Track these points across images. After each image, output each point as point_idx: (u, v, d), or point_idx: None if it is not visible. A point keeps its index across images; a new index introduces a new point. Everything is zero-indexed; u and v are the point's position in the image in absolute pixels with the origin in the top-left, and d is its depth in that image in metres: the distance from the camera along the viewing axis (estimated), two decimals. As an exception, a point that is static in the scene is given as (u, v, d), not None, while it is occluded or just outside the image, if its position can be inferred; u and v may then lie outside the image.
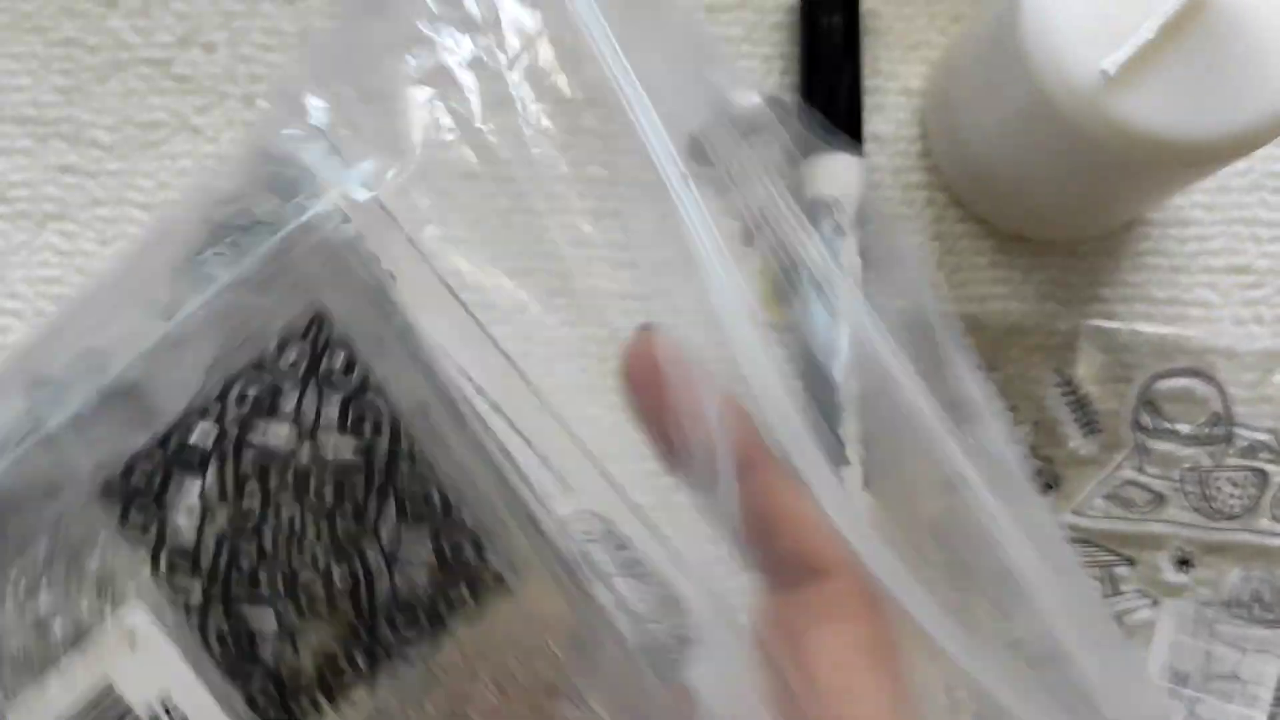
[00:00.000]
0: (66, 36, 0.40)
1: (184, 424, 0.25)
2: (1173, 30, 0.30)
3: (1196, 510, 0.38)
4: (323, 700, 0.26)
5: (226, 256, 0.26)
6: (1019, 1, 0.31)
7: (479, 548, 0.26)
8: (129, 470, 0.25)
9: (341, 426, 0.25)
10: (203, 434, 0.25)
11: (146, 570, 0.25)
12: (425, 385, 0.26)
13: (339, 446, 0.25)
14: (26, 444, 0.25)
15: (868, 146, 0.40)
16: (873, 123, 0.40)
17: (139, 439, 0.25)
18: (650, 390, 0.27)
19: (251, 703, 0.25)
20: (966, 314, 0.39)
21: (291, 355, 0.25)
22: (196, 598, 0.25)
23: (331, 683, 0.25)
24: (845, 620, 0.25)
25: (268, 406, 0.25)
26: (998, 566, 0.29)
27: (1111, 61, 0.30)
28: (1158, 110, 0.30)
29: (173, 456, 0.25)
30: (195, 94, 0.40)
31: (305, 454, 0.25)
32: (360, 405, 0.26)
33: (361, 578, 0.25)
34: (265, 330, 0.25)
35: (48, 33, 0.40)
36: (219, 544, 0.25)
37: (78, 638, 0.25)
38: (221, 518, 0.25)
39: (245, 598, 0.25)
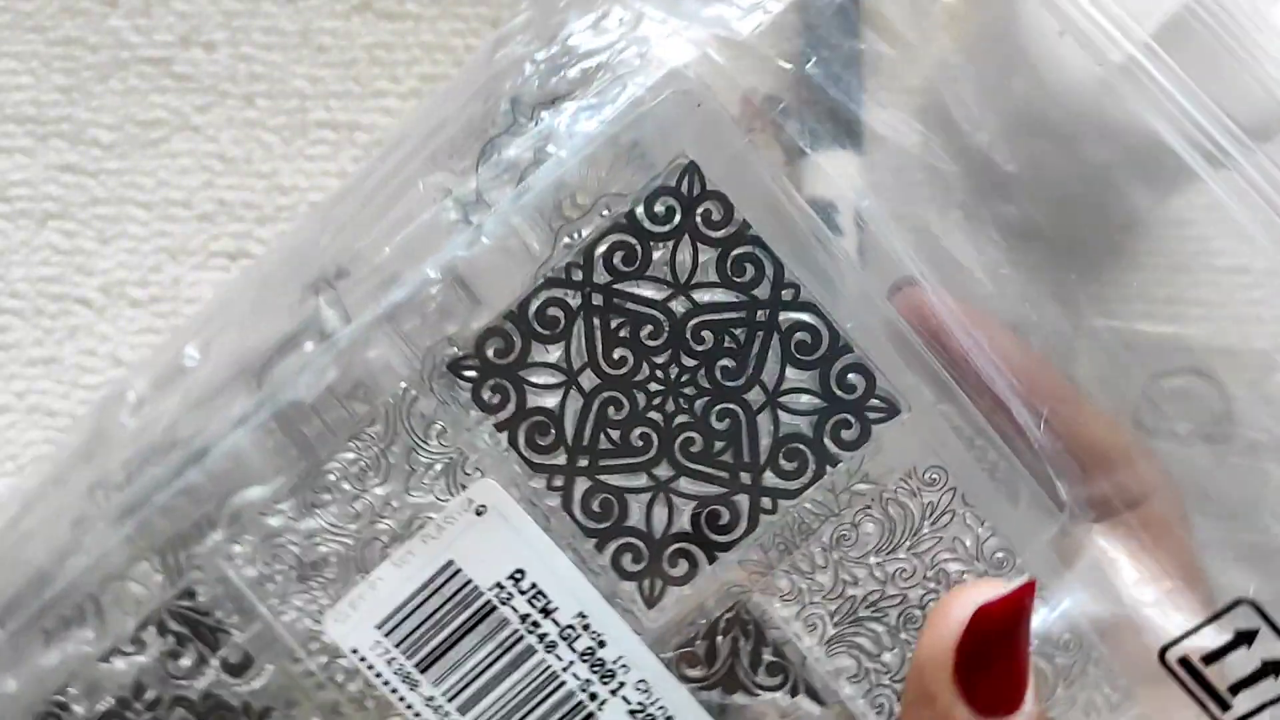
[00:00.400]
0: (67, 35, 0.40)
1: (538, 292, 0.25)
2: (1174, 28, 0.30)
3: (1197, 510, 0.38)
4: (700, 556, 0.25)
5: (543, 132, 0.25)
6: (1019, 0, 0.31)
7: (870, 379, 0.26)
8: (479, 346, 0.25)
9: (720, 278, 0.25)
10: (561, 300, 0.25)
11: (501, 444, 0.25)
12: (807, 225, 0.26)
13: (716, 298, 0.25)
14: (332, 344, 0.25)
15: (867, 145, 0.40)
16: (872, 122, 0.40)
17: (470, 321, 0.25)
18: (936, 347, 0.27)
19: (617, 565, 0.25)
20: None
21: (660, 209, 0.25)
22: (560, 466, 0.25)
23: (711, 536, 0.25)
24: (1170, 540, 0.26)
25: (639, 264, 0.25)
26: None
27: (1113, 59, 0.30)
28: (1159, 108, 0.30)
29: (529, 326, 0.25)
30: (196, 93, 0.40)
31: (680, 308, 0.25)
32: (739, 255, 0.25)
33: (744, 425, 0.25)
34: (628, 188, 0.25)
35: (48, 32, 0.40)
36: (585, 408, 0.25)
37: (412, 523, 0.25)
38: (587, 382, 0.25)
39: (616, 459, 0.25)
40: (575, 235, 0.25)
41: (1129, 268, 0.39)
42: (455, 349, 0.25)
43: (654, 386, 0.25)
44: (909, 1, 0.41)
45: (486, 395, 0.25)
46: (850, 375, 0.25)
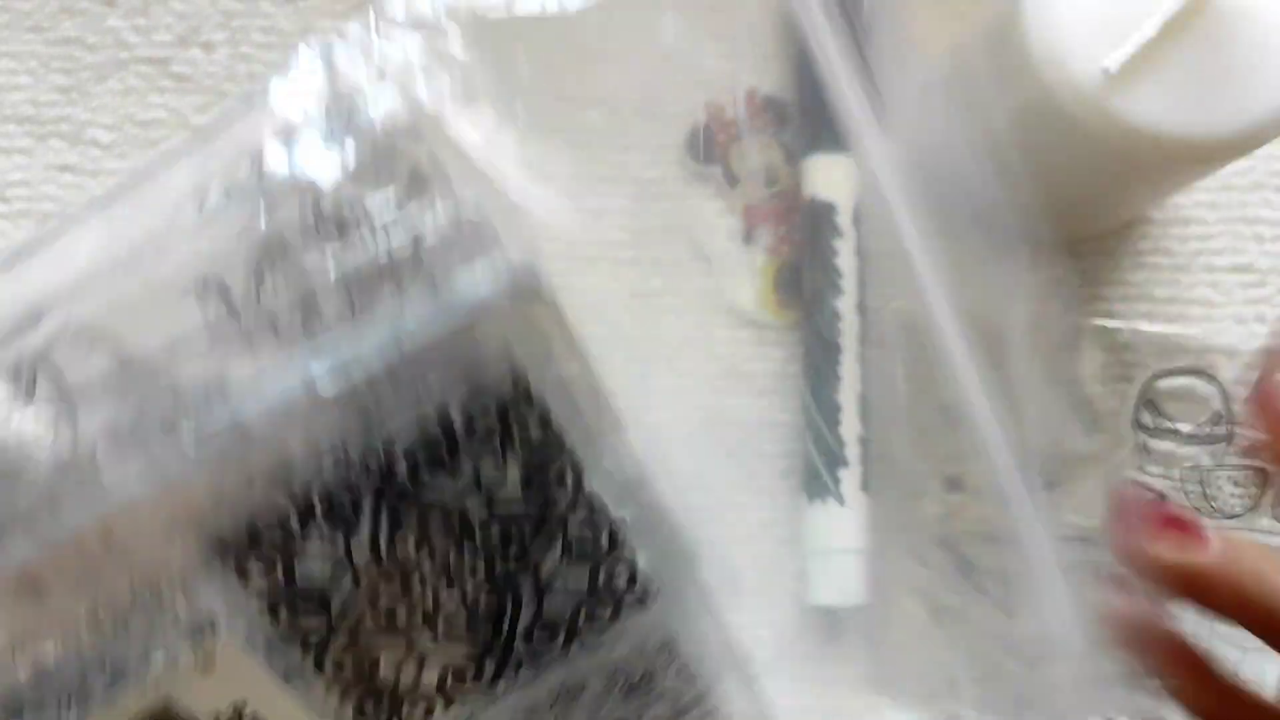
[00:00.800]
0: (66, 35, 0.40)
1: (330, 479, 0.23)
2: (1175, 28, 0.29)
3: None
4: (438, 705, 0.26)
5: (355, 272, 0.22)
6: (1021, 0, 0.31)
7: (633, 574, 0.26)
8: (254, 526, 0.23)
9: (523, 490, 0.24)
10: (353, 489, 0.23)
11: (256, 610, 0.24)
12: (615, 444, 0.25)
13: (514, 508, 0.24)
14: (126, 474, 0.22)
15: (868, 145, 0.40)
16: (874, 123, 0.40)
17: (264, 485, 0.22)
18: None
19: (360, 712, 0.25)
20: (967, 313, 0.39)
21: (476, 416, 0.23)
22: (317, 636, 0.24)
23: (451, 691, 0.25)
24: None
25: (444, 466, 0.23)
26: (1006, 565, 0.29)
27: (1114, 59, 0.30)
28: (1160, 108, 0.30)
29: (314, 511, 0.23)
30: (194, 93, 0.39)
31: (476, 510, 0.24)
32: (546, 471, 0.24)
33: (509, 607, 0.25)
34: (443, 389, 0.23)
35: (47, 32, 0.40)
36: (355, 590, 0.24)
37: (147, 663, 0.24)
38: (363, 565, 0.24)
39: (376, 632, 0.24)
40: (382, 421, 0.22)
41: (1130, 267, 0.40)
42: (235, 524, 0.23)
43: (432, 574, 0.24)
44: (914, 4, 0.41)
45: (253, 574, 0.23)
46: (620, 570, 0.26)
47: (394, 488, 0.23)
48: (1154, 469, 0.38)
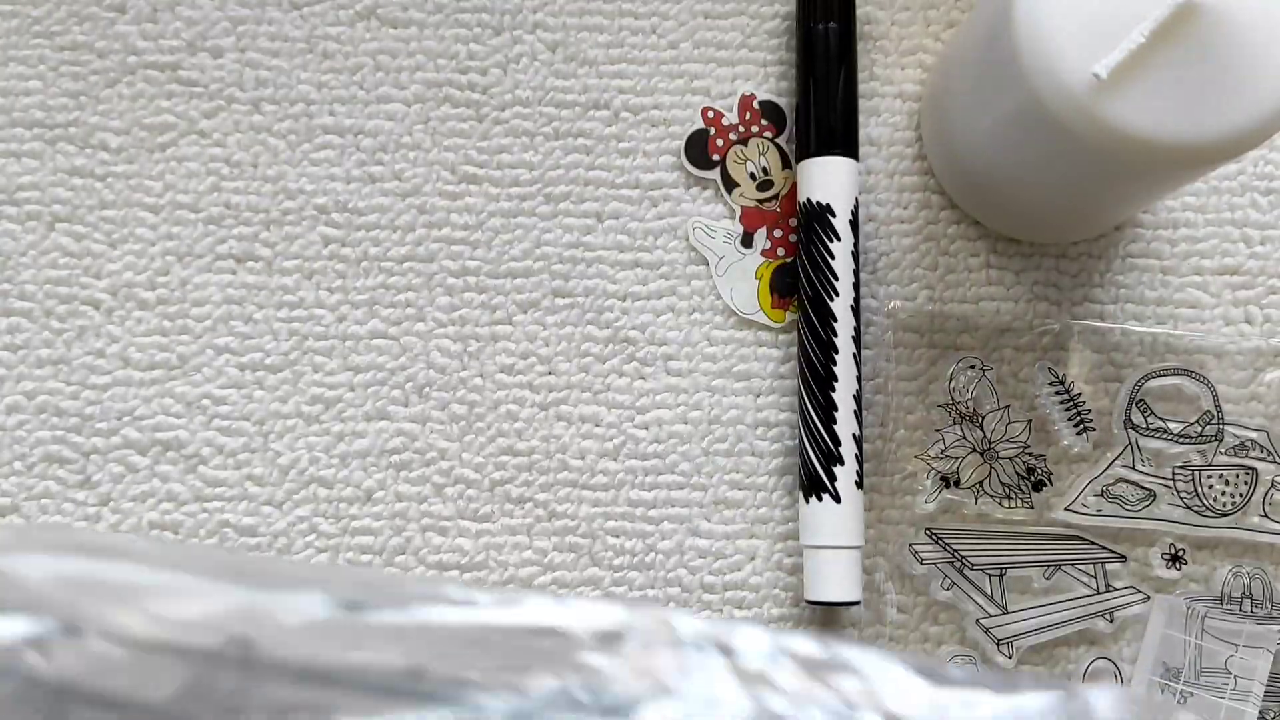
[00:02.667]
0: (75, 41, 0.40)
1: None
2: (1164, 34, 0.30)
3: (1187, 507, 0.38)
4: None
5: None
6: (1011, 6, 0.31)
7: None
8: None
9: None
10: None
11: None
12: None
13: None
14: None
15: (863, 150, 0.40)
16: (868, 127, 0.40)
17: None
18: None
19: None
20: (960, 315, 0.39)
21: None
22: None
23: None
24: None
25: None
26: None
27: (1103, 65, 0.30)
28: (1149, 113, 0.30)
29: None
30: (203, 98, 0.40)
31: None
32: None
33: None
34: None
35: (57, 37, 0.40)
36: None
37: None
38: None
39: None
40: None
41: (1120, 269, 0.40)
42: None
43: None
44: (904, 7, 0.41)
45: None
46: None
47: None
48: (1144, 468, 0.38)
